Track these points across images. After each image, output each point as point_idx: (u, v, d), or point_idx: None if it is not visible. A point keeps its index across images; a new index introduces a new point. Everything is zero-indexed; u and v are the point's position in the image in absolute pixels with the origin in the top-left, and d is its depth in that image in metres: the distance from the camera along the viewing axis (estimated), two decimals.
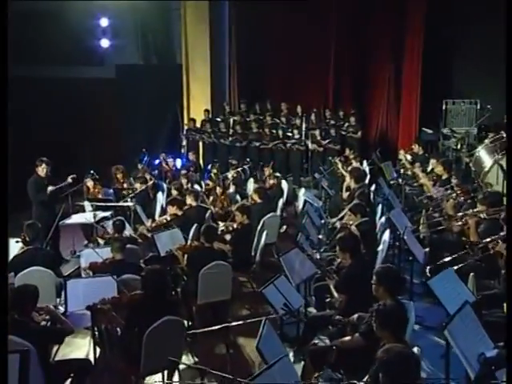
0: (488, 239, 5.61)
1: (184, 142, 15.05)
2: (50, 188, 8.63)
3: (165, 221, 8.13)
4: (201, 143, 15.03)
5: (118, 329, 5.77)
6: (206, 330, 4.84)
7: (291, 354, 5.45)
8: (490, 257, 5.77)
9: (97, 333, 6.01)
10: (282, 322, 5.66)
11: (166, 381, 5.36)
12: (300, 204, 10.44)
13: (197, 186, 10.68)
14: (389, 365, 3.23)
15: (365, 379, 4.21)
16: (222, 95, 16.17)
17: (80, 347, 6.29)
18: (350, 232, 6.08)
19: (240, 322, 4.89)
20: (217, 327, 4.74)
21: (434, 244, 7.14)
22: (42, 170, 8.63)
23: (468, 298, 4.72)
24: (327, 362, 4.50)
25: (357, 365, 4.46)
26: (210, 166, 12.83)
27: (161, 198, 10.31)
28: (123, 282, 5.95)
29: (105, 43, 14.92)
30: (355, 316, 4.99)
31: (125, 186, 10.58)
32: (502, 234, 5.80)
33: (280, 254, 6.05)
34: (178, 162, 13.88)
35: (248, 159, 13.19)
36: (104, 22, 14.82)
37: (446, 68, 14.75)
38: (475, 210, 6.74)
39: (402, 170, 11.08)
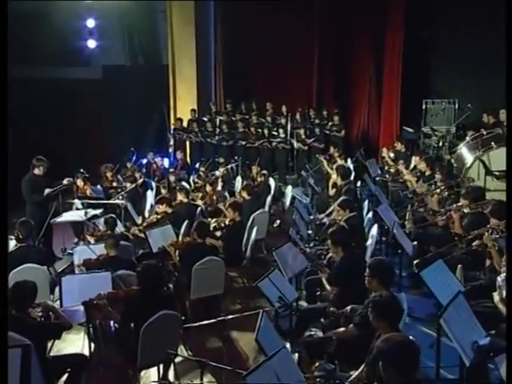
0: (476, 231, 5.64)
1: (171, 142, 14.96)
2: (47, 190, 8.48)
3: (155, 219, 8.07)
4: (188, 142, 14.95)
5: (114, 324, 5.74)
6: (203, 323, 4.81)
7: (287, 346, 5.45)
8: (475, 249, 5.81)
9: (91, 329, 5.98)
10: (277, 315, 5.65)
11: (161, 375, 5.34)
12: (287, 200, 10.46)
13: (185, 184, 10.61)
14: (389, 354, 3.22)
15: (360, 369, 4.22)
16: (208, 95, 16.13)
17: (74, 343, 6.16)
18: (342, 226, 6.08)
19: (236, 316, 4.86)
20: (214, 320, 4.71)
21: (419, 238, 7.17)
22: (40, 170, 8.50)
23: (458, 288, 4.75)
24: (324, 353, 4.50)
25: (351, 355, 4.47)
26: (197, 165, 12.79)
27: (150, 195, 10.26)
28: (118, 277, 5.91)
29: (91, 44, 14.78)
30: (348, 308, 5.00)
31: (114, 184, 10.54)
32: (488, 225, 5.86)
33: (273, 248, 6.03)
34: (166, 161, 13.81)
35: (236, 157, 13.16)
36: (90, 23, 14.67)
37: (425, 69, 14.83)
38: (458, 204, 6.78)
39: (386, 167, 11.13)
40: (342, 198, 7.46)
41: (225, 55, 15.75)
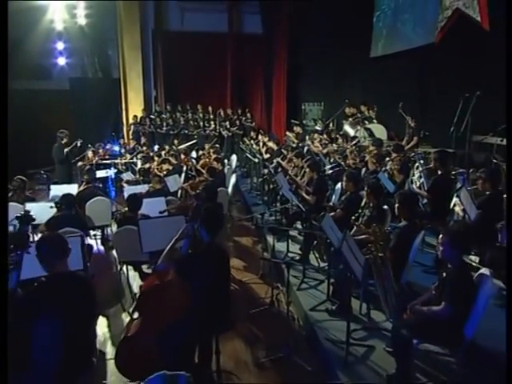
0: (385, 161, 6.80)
1: (130, 132, 14.93)
2: (65, 150, 8.89)
3: (162, 174, 8.36)
4: (141, 133, 14.91)
5: None
6: (245, 217, 5.48)
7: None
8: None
9: None
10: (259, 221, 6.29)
11: None
12: (233, 164, 11.15)
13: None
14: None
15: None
16: (151, 100, 16.19)
17: None
18: (316, 161, 6.96)
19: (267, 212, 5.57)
20: (253, 215, 5.40)
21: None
22: (63, 139, 8.82)
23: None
24: None
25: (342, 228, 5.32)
26: (156, 147, 12.98)
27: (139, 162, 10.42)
28: (168, 201, 6.35)
29: (61, 61, 14.42)
30: (331, 203, 5.92)
31: (106, 157, 10.62)
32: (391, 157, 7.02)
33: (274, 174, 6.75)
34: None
35: (196, 136, 13.53)
36: (60, 46, 14.30)
37: (301, 82, 16.11)
38: (393, 156, 7.10)
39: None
40: (296, 151, 8.23)
41: (164, 70, 15.82)
